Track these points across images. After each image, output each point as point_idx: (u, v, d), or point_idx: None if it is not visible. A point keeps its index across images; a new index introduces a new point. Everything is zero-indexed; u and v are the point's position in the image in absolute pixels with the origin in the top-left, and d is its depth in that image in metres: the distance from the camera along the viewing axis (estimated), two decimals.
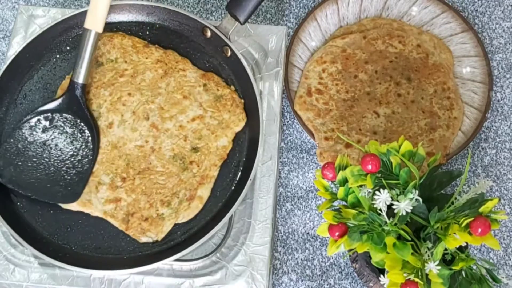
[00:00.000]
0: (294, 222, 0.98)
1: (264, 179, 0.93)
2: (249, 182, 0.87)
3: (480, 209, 0.68)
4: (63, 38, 0.99)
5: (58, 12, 1.05)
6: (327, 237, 0.93)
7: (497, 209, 0.98)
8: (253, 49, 1.02)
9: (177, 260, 0.85)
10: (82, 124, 0.92)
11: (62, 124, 0.91)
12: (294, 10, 1.14)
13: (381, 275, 0.72)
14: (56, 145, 0.91)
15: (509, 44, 1.11)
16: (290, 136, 1.04)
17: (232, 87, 0.96)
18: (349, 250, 0.72)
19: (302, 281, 0.95)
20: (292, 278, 0.95)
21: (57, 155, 0.90)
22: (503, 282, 0.71)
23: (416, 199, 0.71)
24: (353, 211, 0.72)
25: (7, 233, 0.89)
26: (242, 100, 0.95)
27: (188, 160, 0.91)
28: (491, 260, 0.96)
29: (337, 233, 0.72)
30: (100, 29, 0.90)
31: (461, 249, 0.72)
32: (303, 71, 1.05)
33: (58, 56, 0.98)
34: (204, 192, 0.89)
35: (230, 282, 0.87)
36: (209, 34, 0.98)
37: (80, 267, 0.83)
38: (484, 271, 0.71)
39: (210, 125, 0.93)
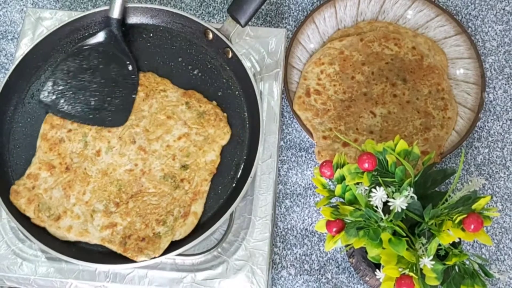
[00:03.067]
0: (293, 218, 0.98)
1: (264, 177, 0.93)
2: (249, 179, 0.87)
3: (473, 206, 0.68)
4: (69, 40, 0.99)
5: (64, 15, 1.05)
6: (325, 233, 0.93)
7: (489, 206, 0.98)
8: (254, 50, 1.02)
9: (179, 254, 0.85)
10: (122, 56, 0.95)
11: (104, 57, 0.95)
12: (293, 13, 1.14)
13: (377, 270, 0.72)
14: (100, 75, 0.95)
15: (501, 46, 1.11)
16: (289, 135, 1.04)
17: (214, 102, 0.95)
18: (346, 246, 0.72)
19: (300, 275, 0.95)
20: (291, 273, 0.95)
21: (102, 84, 0.94)
22: (495, 277, 0.71)
23: (411, 196, 0.71)
24: (350, 208, 0.72)
25: (15, 228, 0.89)
26: (225, 114, 0.94)
27: (179, 178, 0.89)
28: (483, 256, 0.96)
29: (334, 229, 0.72)
30: None
31: (455, 244, 0.73)
32: (302, 72, 1.05)
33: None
34: (198, 208, 0.88)
35: (231, 276, 0.87)
36: (211, 36, 0.98)
37: (86, 261, 0.83)
38: (476, 266, 0.71)
39: (196, 141, 0.92)
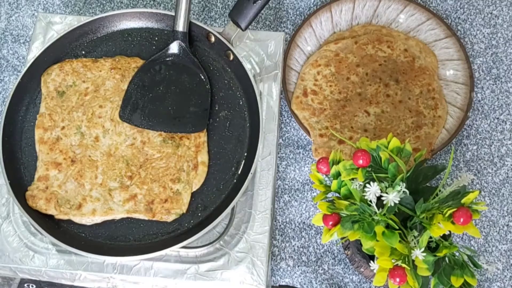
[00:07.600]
0: (291, 213, 0.98)
1: (263, 173, 0.93)
2: (250, 175, 0.87)
3: (462, 201, 0.68)
4: (78, 43, 0.99)
5: (74, 19, 1.04)
6: (322, 226, 0.93)
7: (477, 200, 0.98)
8: (254, 53, 1.01)
9: (183, 247, 0.85)
10: (192, 67, 0.95)
11: (175, 69, 0.95)
12: (291, 17, 1.14)
13: (371, 261, 0.72)
14: (175, 86, 0.94)
15: (489, 48, 1.11)
16: (288, 133, 1.04)
17: None
18: (342, 238, 0.72)
19: (298, 266, 0.95)
20: (289, 264, 0.95)
21: (178, 94, 0.93)
22: (483, 268, 0.71)
23: (404, 191, 0.71)
24: (346, 202, 0.72)
25: (27, 222, 0.89)
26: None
27: (177, 137, 0.91)
28: (472, 247, 0.96)
29: (330, 223, 0.72)
30: None
31: (445, 237, 0.72)
32: (300, 74, 1.05)
33: (74, 60, 0.98)
34: (204, 157, 0.90)
35: (232, 267, 0.87)
36: (213, 39, 0.97)
37: (95, 254, 0.83)
38: (465, 258, 0.71)
39: None
